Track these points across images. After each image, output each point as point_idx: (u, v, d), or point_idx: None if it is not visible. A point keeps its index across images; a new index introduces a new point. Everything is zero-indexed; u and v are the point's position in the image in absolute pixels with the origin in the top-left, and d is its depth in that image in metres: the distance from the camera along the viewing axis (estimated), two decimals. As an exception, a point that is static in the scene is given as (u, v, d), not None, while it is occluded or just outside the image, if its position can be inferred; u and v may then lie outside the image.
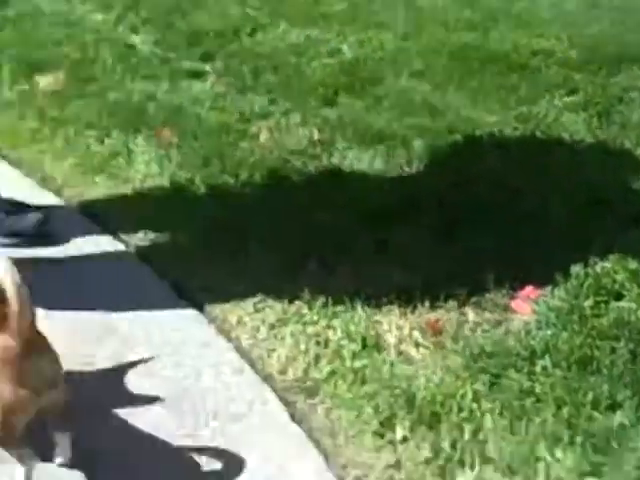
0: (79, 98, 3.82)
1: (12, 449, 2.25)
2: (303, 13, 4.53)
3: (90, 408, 2.38)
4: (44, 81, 3.94)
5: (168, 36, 4.31)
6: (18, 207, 3.13)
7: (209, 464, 2.22)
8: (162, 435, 2.28)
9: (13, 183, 3.31)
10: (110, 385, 2.52)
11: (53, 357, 2.24)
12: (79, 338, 2.55)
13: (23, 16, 4.46)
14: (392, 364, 2.45)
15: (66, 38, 4.25)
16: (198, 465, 2.23)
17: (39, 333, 2.20)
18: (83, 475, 2.21)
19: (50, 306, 2.58)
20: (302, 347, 2.55)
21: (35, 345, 2.17)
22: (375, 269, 2.83)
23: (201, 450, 2.26)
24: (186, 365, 2.53)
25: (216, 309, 2.73)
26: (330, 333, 2.59)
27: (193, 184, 3.28)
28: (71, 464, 2.25)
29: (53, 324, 2.52)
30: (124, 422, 2.34)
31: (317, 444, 2.26)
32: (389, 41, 4.31)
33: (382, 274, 2.81)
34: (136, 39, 4.31)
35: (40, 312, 2.57)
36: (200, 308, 2.78)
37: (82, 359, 2.53)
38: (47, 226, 3.12)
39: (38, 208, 3.14)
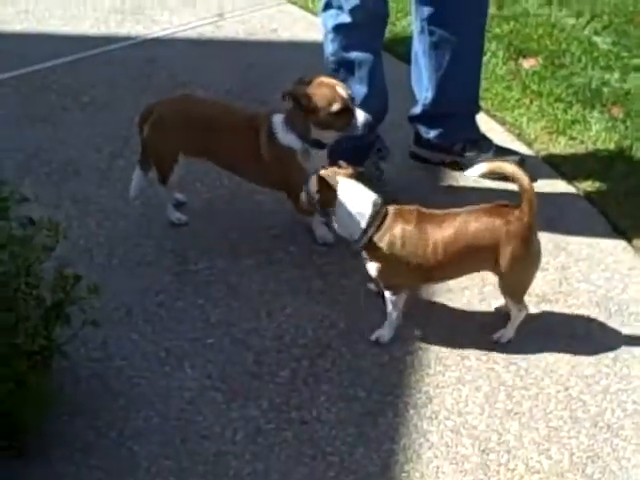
0: (552, 79, 4.26)
1: (397, 292, 2.69)
2: None
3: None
4: (527, 64, 4.40)
5: (623, 39, 4.61)
6: (504, 150, 3.68)
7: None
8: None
9: (499, 136, 3.85)
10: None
11: (539, 241, 2.74)
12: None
13: (516, 16, 4.82)
14: None
15: (546, 34, 4.65)
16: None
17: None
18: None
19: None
20: None
21: (534, 227, 2.71)
22: None
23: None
24: (614, 279, 3.09)
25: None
26: None
27: (631, 150, 3.74)
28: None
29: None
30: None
31: None
32: None
33: None
34: (598, 39, 4.62)
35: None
36: (629, 241, 3.27)
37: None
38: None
39: (516, 154, 3.66)
